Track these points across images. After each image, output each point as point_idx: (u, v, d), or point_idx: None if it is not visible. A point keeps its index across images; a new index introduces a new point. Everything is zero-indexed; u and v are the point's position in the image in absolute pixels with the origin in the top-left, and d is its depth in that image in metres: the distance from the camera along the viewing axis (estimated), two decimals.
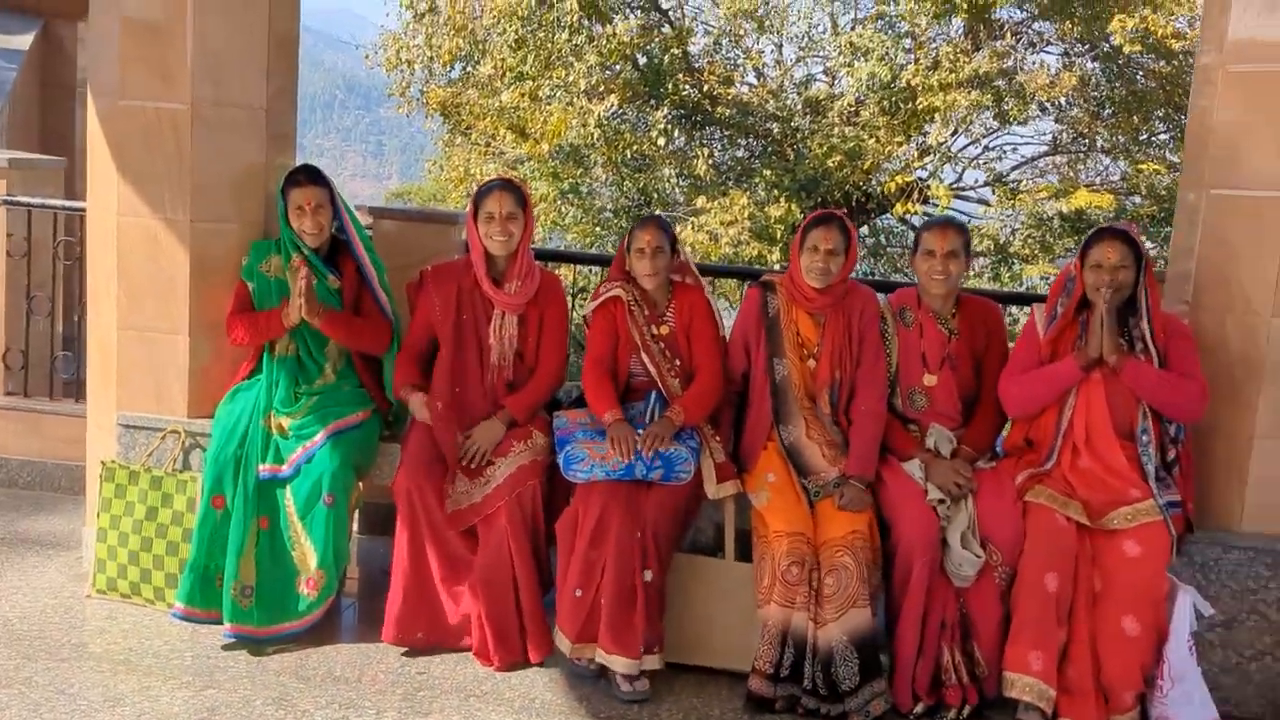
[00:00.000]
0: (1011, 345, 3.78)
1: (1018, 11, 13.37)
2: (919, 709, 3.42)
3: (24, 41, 7.16)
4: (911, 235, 14.08)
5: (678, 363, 3.74)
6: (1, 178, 5.20)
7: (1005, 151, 14.43)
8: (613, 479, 3.46)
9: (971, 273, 13.39)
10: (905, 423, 3.70)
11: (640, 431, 3.53)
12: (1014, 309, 8.18)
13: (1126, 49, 11.85)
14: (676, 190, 12.90)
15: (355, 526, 4.12)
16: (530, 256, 3.80)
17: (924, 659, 3.43)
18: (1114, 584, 3.31)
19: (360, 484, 3.84)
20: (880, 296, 3.84)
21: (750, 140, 14.00)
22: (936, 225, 3.70)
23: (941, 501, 3.44)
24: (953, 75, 11.63)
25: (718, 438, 3.69)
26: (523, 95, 12.30)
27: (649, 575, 3.44)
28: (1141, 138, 13.67)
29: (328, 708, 3.23)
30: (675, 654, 3.57)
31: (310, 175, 3.79)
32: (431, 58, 13.33)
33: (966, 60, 11.75)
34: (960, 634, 3.45)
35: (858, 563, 3.38)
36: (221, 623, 3.60)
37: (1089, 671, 3.32)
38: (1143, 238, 3.62)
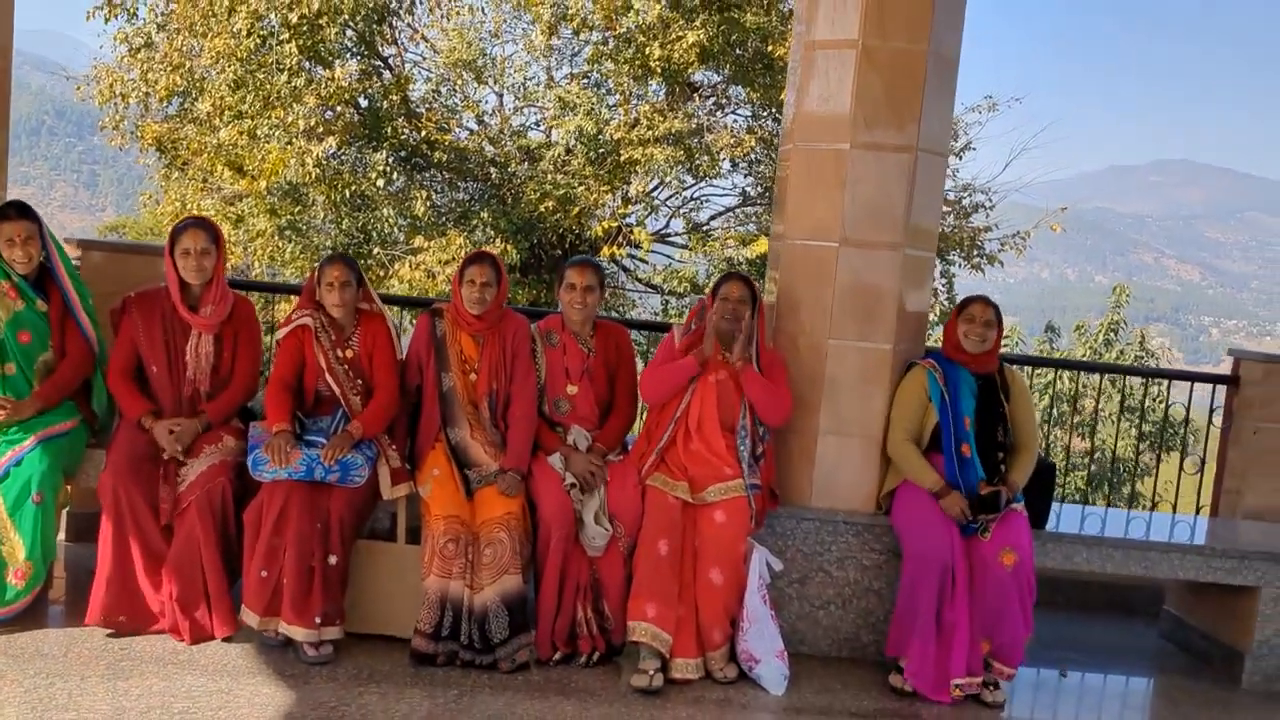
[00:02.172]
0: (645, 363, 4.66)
1: (715, 75, 14.74)
2: (557, 656, 4.19)
3: None
4: (621, 275, 15.23)
5: (360, 382, 4.31)
6: None
7: (703, 202, 15.79)
8: (295, 479, 4.03)
9: (675, 313, 14.61)
10: (552, 425, 4.46)
11: (323, 441, 4.09)
12: None
13: None
14: (396, 229, 13.35)
15: (63, 535, 4.49)
16: (224, 284, 4.32)
17: (562, 616, 4.20)
18: (705, 545, 4.20)
19: (68, 486, 4.22)
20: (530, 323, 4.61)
21: (470, 184, 14.66)
22: (577, 264, 4.51)
23: (574, 486, 4.23)
24: (650, 132, 12.76)
25: (394, 447, 4.30)
26: (241, 133, 12.47)
27: (334, 559, 4.03)
28: None
29: (35, 677, 3.62)
30: (356, 625, 4.16)
31: (20, 211, 4.20)
32: (147, 93, 13.26)
33: (662, 119, 12.90)
34: (592, 595, 4.25)
35: (511, 538, 4.10)
36: None
37: (690, 616, 4.17)
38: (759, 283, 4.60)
